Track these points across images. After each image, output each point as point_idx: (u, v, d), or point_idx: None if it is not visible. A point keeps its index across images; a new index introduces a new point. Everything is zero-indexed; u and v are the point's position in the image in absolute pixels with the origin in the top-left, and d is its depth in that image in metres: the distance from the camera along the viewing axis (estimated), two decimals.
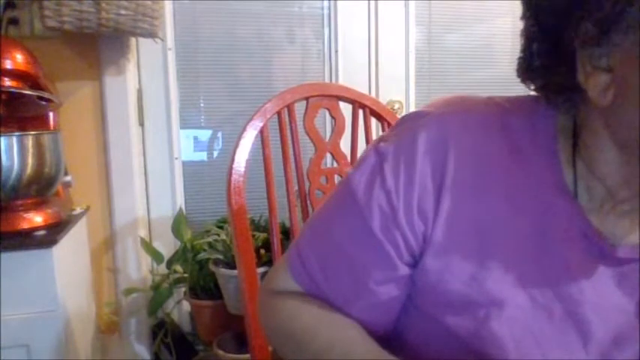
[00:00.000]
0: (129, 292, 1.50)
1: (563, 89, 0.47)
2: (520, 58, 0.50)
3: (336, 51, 1.71)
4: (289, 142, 0.93)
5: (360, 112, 0.99)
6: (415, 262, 0.50)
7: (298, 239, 0.57)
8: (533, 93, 0.51)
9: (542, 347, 0.46)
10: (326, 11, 1.71)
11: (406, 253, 0.49)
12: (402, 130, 0.51)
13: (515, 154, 0.49)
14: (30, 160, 1.10)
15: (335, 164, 0.98)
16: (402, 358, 0.47)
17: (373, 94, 1.75)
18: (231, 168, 0.86)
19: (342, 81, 1.72)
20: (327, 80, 1.73)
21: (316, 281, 0.54)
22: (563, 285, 0.47)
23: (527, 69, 0.49)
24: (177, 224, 1.49)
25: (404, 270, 0.50)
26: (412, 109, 1.79)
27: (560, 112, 0.50)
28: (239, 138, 0.87)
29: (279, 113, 0.92)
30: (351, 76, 1.72)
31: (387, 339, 0.56)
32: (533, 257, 0.47)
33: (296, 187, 0.94)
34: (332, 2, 1.70)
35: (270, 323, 0.57)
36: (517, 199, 0.48)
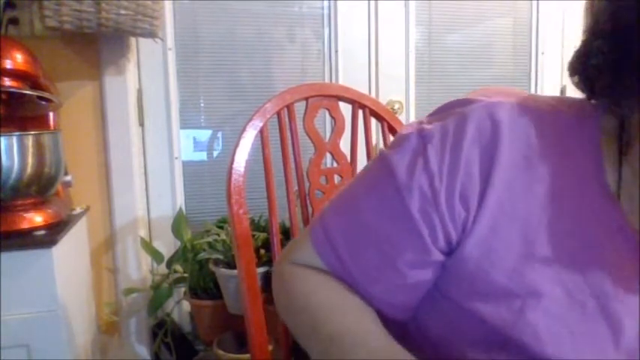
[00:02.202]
0: (129, 292, 1.49)
1: (625, 95, 0.46)
2: (577, 51, 0.49)
3: (336, 51, 1.71)
4: (289, 142, 0.93)
5: (360, 112, 0.99)
6: (450, 249, 0.50)
7: (323, 214, 0.56)
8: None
9: (576, 340, 0.47)
10: (326, 11, 1.71)
11: (442, 238, 0.49)
12: (449, 114, 0.50)
13: (562, 151, 0.48)
14: (30, 160, 1.10)
15: (335, 164, 0.98)
16: (421, 347, 0.49)
17: (373, 94, 1.75)
18: (231, 168, 0.86)
19: (342, 81, 1.72)
20: (327, 80, 1.73)
21: (340, 257, 0.53)
22: (597, 280, 0.48)
23: (584, 63, 0.48)
24: (177, 224, 1.49)
25: (436, 255, 0.50)
26: (412, 109, 1.79)
27: (608, 114, 0.49)
28: (239, 138, 0.87)
29: (278, 113, 0.92)
30: (351, 76, 1.72)
31: (404, 325, 0.56)
32: (571, 252, 0.48)
33: (296, 187, 0.94)
34: (332, 2, 1.70)
35: (287, 293, 0.55)
36: (561, 195, 0.48)
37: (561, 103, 0.51)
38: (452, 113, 0.50)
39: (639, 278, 0.48)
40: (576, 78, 0.49)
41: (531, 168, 0.47)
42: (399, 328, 0.55)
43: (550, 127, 0.49)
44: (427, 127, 0.50)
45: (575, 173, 0.48)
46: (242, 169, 0.87)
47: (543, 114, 0.50)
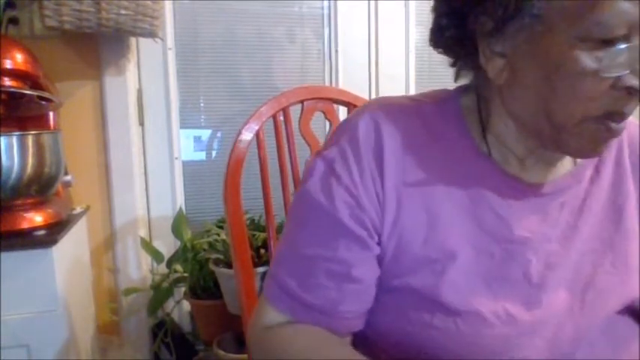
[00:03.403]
0: (129, 292, 1.50)
1: (472, 67, 0.56)
2: (431, 30, 0.57)
3: (336, 51, 1.71)
4: (285, 144, 0.94)
5: None
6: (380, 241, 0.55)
7: (270, 272, 0.59)
8: None
9: (491, 287, 0.53)
10: (326, 11, 1.71)
11: (374, 233, 0.54)
12: (339, 135, 0.57)
13: (432, 134, 0.57)
14: (30, 160, 1.11)
15: None
16: (384, 348, 0.55)
17: (373, 94, 1.75)
18: (227, 171, 0.86)
19: (342, 81, 1.72)
20: (327, 80, 1.73)
21: (298, 299, 0.55)
22: (495, 229, 0.55)
23: (438, 40, 0.57)
24: (177, 224, 1.49)
25: (376, 249, 0.55)
26: None
27: (465, 95, 0.59)
28: (235, 141, 0.88)
29: (274, 116, 0.92)
30: (351, 76, 1.72)
31: (362, 333, 0.59)
32: (467, 210, 0.55)
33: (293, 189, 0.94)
34: (332, 2, 1.69)
35: (266, 355, 0.57)
36: (443, 166, 0.55)
37: (421, 96, 0.61)
38: (341, 134, 0.57)
39: (528, 215, 0.55)
40: (441, 52, 0.58)
41: (413, 153, 0.55)
42: (360, 337, 0.59)
43: (416, 116, 0.57)
44: (326, 152, 0.57)
45: (449, 145, 0.56)
46: (238, 172, 0.87)
47: (408, 108, 0.58)
